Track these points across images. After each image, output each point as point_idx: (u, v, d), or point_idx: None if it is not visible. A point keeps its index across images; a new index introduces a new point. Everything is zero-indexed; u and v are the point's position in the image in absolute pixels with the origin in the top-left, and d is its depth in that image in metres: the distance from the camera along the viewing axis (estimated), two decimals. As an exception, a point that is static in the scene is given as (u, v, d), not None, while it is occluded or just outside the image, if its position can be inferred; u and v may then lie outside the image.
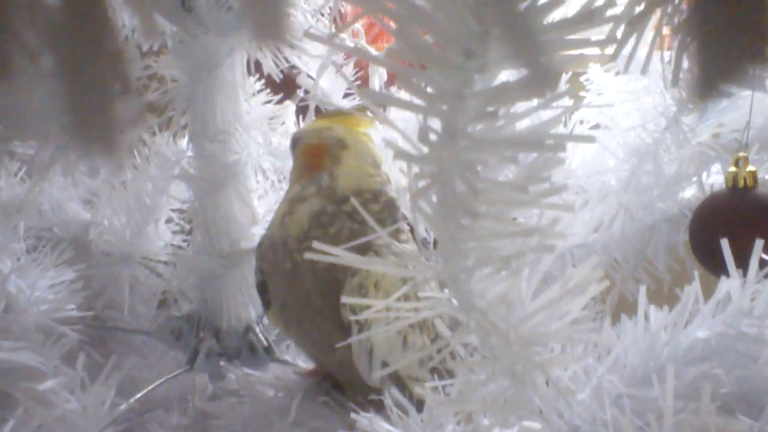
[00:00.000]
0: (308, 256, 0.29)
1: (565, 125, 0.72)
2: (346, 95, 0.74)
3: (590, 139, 0.26)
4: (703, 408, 0.29)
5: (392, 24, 0.23)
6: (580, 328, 0.32)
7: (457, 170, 0.26)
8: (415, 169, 0.25)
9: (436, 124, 0.27)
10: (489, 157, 0.26)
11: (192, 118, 0.60)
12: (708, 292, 0.41)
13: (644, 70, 0.33)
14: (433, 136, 0.26)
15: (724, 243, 0.38)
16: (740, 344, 0.34)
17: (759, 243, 0.36)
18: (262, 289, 0.58)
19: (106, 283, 0.75)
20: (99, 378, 0.53)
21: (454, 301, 0.32)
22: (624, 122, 0.68)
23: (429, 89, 0.25)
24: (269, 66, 0.60)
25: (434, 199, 0.28)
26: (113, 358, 0.54)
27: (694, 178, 0.65)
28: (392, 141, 0.27)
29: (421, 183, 0.25)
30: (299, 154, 0.58)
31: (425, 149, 0.25)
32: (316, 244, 0.30)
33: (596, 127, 0.71)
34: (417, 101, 0.26)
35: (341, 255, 0.29)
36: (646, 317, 0.38)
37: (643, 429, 0.31)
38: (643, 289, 0.40)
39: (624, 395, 0.34)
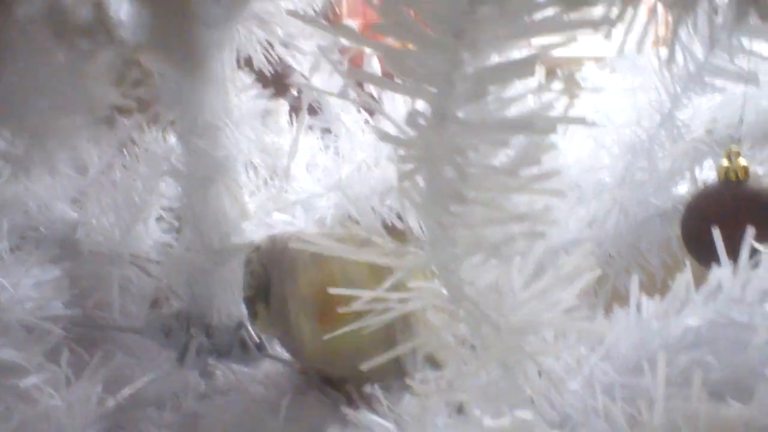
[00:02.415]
0: (293, 244, 0.29)
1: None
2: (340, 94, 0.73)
3: (582, 121, 0.26)
4: (693, 394, 0.28)
5: (378, 1, 0.23)
6: (573, 316, 0.32)
7: (447, 155, 0.26)
8: (402, 153, 0.25)
9: (423, 107, 0.26)
10: (479, 141, 0.26)
11: (180, 113, 0.59)
12: (700, 282, 0.40)
13: (639, 49, 0.32)
14: (421, 120, 0.26)
15: (716, 232, 0.38)
16: (731, 331, 0.34)
17: (749, 231, 0.36)
18: (251, 301, 0.59)
19: (95, 283, 0.74)
20: (84, 374, 0.52)
21: (444, 291, 0.31)
22: (619, 119, 0.68)
23: (417, 71, 0.25)
24: (259, 60, 0.59)
25: (422, 185, 0.28)
26: (99, 355, 0.54)
27: (688, 174, 0.65)
28: (380, 127, 0.27)
29: (409, 167, 0.25)
30: None
31: (413, 133, 0.25)
32: (303, 235, 0.30)
33: (592, 124, 0.71)
34: (405, 83, 0.25)
35: (327, 245, 0.29)
36: (638, 308, 0.38)
37: (635, 416, 0.31)
38: (635, 279, 0.39)
39: (615, 384, 0.33)
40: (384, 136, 0.24)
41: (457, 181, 0.26)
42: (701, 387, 0.30)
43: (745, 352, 0.32)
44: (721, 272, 0.37)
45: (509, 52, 0.25)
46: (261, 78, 0.65)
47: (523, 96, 0.27)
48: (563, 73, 0.73)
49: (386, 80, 0.25)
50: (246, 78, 0.62)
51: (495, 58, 0.24)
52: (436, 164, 0.26)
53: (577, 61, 0.75)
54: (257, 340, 0.66)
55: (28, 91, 0.52)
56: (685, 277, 0.35)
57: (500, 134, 0.25)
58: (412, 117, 0.25)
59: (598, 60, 0.74)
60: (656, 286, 0.59)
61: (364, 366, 0.30)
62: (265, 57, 0.62)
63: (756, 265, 0.36)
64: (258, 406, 0.48)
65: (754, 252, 0.38)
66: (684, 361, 0.34)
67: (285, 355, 0.67)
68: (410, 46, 0.24)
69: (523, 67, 0.23)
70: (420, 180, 0.27)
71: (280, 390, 0.50)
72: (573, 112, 0.72)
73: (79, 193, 0.77)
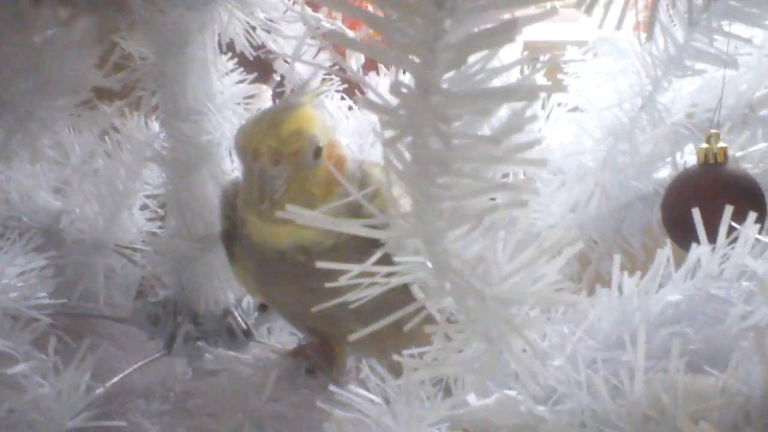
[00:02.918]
0: (279, 214, 0.29)
1: (543, 107, 0.73)
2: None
3: (562, 89, 0.26)
4: (672, 365, 0.29)
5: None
6: (556, 290, 0.32)
7: (431, 125, 0.26)
8: (386, 121, 0.25)
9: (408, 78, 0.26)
10: (463, 111, 0.26)
11: (162, 97, 0.59)
12: (680, 262, 0.41)
13: (618, 26, 0.33)
14: (405, 90, 0.26)
15: (695, 211, 0.39)
16: (709, 306, 0.35)
17: (728, 209, 0.37)
18: (228, 238, 0.55)
19: (80, 273, 0.74)
20: (72, 362, 0.52)
21: (429, 264, 0.31)
22: (600, 103, 0.69)
23: (400, 40, 0.25)
24: (241, 44, 0.59)
25: (407, 156, 0.28)
26: (86, 342, 0.53)
27: (669, 158, 0.65)
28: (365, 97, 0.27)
29: (391, 134, 0.25)
30: (323, 168, 0.49)
31: (397, 103, 0.25)
32: (289, 207, 0.30)
33: (575, 109, 0.72)
34: (389, 53, 0.25)
35: (309, 215, 0.29)
36: (620, 286, 0.39)
37: (617, 388, 0.31)
38: (617, 258, 0.40)
39: (598, 358, 0.34)
40: (368, 104, 0.24)
41: (442, 151, 0.27)
42: (680, 358, 0.30)
43: (722, 325, 0.33)
44: (700, 250, 0.38)
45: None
46: (244, 63, 0.64)
47: (507, 67, 0.28)
48: (546, 57, 0.74)
49: (369, 48, 0.25)
50: (229, 62, 0.62)
51: (476, 28, 0.25)
52: (420, 134, 0.27)
53: (560, 46, 0.76)
54: (244, 327, 0.67)
55: (10, 73, 0.52)
56: (665, 253, 0.35)
57: (483, 103, 0.26)
58: (396, 86, 0.25)
59: (581, 44, 0.74)
60: (637, 269, 0.59)
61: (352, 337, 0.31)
62: (248, 41, 0.62)
63: (733, 243, 0.37)
64: (245, 385, 0.49)
65: (731, 230, 0.38)
66: (663, 335, 0.35)
67: (272, 341, 0.67)
68: (392, 15, 0.24)
69: (503, 34, 0.23)
70: (404, 151, 0.28)
71: (267, 371, 0.50)
72: (557, 97, 0.73)
73: (62, 182, 0.77)
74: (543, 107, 0.73)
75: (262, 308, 0.69)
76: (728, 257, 0.37)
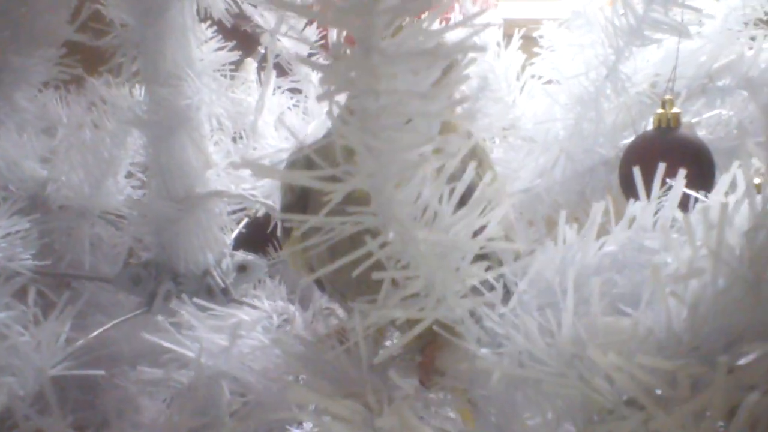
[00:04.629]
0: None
1: (518, 79, 0.76)
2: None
3: (482, 50, 0.28)
4: (593, 308, 0.32)
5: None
6: (494, 240, 0.35)
7: (372, 84, 0.29)
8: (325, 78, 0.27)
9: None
10: (399, 71, 0.29)
11: (143, 63, 0.61)
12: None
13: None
14: (346, 51, 0.28)
15: (636, 170, 0.42)
16: (641, 256, 0.37)
17: (661, 167, 0.39)
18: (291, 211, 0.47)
19: (66, 240, 0.76)
20: (53, 314, 0.54)
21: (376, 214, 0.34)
22: (568, 72, 0.71)
23: (341, 4, 0.27)
24: (220, 12, 0.61)
25: (351, 112, 0.30)
26: (66, 295, 0.56)
27: (633, 125, 0.68)
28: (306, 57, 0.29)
29: (329, 89, 0.27)
30: None
31: (337, 62, 0.28)
32: (247, 161, 0.32)
33: (549, 82, 0.74)
34: (332, 15, 0.28)
35: (262, 168, 0.31)
36: (564, 238, 0.41)
37: (551, 331, 0.34)
38: (563, 213, 0.43)
39: (533, 303, 0.37)
40: (306, 62, 0.26)
41: (382, 108, 0.29)
42: (604, 301, 0.33)
43: (646, 270, 0.35)
44: (636, 205, 0.40)
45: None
46: (230, 35, 0.66)
47: (442, 31, 0.30)
48: (521, 33, 0.76)
49: (313, 11, 0.27)
50: (208, 30, 0.64)
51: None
52: (363, 93, 0.29)
53: (536, 21, 0.78)
54: (223, 286, 0.69)
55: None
56: (601, 205, 0.38)
57: (415, 63, 0.28)
58: (337, 47, 0.28)
59: (555, 20, 0.76)
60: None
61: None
62: (232, 13, 0.64)
63: (663, 197, 0.39)
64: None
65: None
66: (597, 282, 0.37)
67: (249, 299, 0.70)
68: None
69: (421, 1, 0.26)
70: (348, 108, 0.30)
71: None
72: (531, 70, 0.75)
73: (48, 152, 0.79)
74: (518, 79, 0.76)
75: (241, 269, 0.71)
76: (660, 211, 0.40)
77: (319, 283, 0.52)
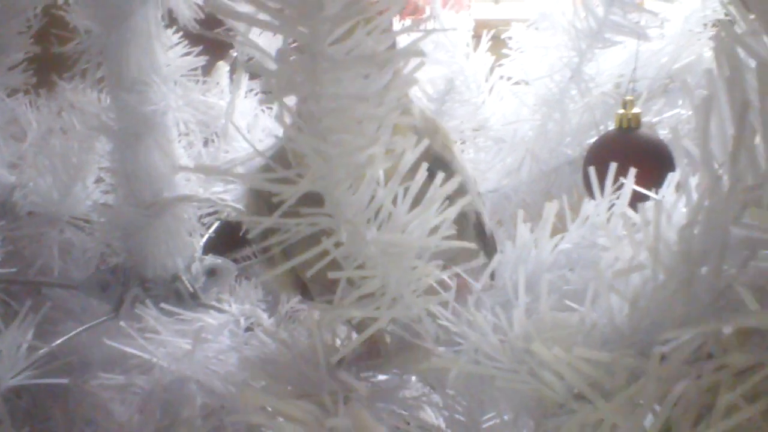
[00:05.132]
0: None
1: (487, 80, 0.77)
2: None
3: (421, 53, 0.29)
4: (542, 303, 0.32)
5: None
6: (446, 240, 0.35)
7: (317, 88, 0.29)
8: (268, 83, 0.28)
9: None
10: (344, 76, 0.29)
11: (107, 69, 0.61)
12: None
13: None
14: (291, 57, 0.29)
15: (591, 170, 0.42)
16: (594, 252, 0.38)
17: (612, 167, 0.40)
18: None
19: (34, 246, 0.76)
20: (14, 323, 0.54)
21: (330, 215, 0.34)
22: (534, 74, 0.72)
23: (286, 12, 0.28)
24: (185, 17, 0.62)
25: (300, 117, 0.31)
26: (29, 303, 0.56)
27: (598, 125, 0.69)
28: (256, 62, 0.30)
29: (270, 94, 0.28)
30: None
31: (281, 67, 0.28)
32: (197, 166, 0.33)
33: (517, 83, 0.75)
34: (278, 23, 0.28)
35: (211, 168, 0.32)
36: (522, 237, 0.42)
37: (502, 327, 0.34)
38: (521, 212, 0.43)
39: (486, 300, 0.37)
40: (254, 67, 0.27)
41: (322, 111, 0.30)
42: (554, 298, 0.34)
43: (597, 266, 0.36)
44: (588, 204, 0.41)
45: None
46: (200, 41, 0.66)
47: (390, 36, 0.31)
48: (489, 34, 0.77)
49: (260, 19, 0.28)
50: (175, 36, 0.64)
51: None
52: (309, 97, 0.30)
53: (505, 22, 0.79)
54: (191, 290, 0.69)
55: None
56: (554, 205, 0.38)
57: (365, 68, 0.29)
58: (284, 53, 0.28)
59: (524, 22, 0.77)
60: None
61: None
62: (203, 17, 0.64)
63: (615, 194, 0.40)
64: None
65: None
66: (550, 278, 0.38)
67: (217, 304, 0.70)
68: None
69: (371, 6, 0.26)
70: (297, 113, 0.31)
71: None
72: (500, 71, 0.76)
73: (16, 158, 0.79)
74: (486, 80, 0.77)
75: (211, 273, 0.72)
76: (613, 209, 0.41)
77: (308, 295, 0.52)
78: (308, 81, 0.29)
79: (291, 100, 0.32)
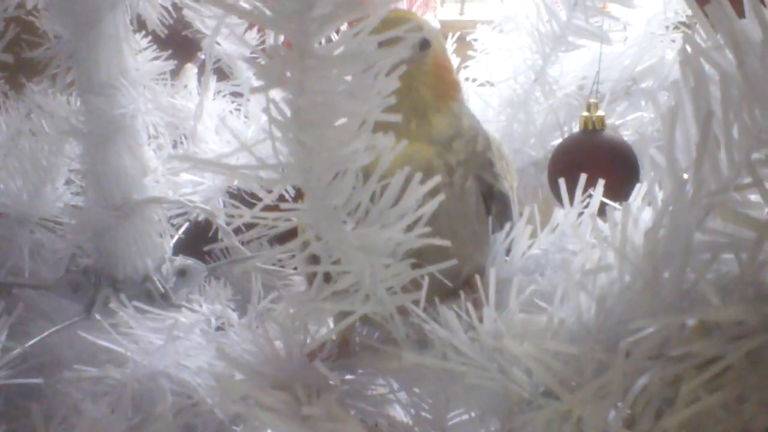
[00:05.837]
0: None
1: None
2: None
3: (405, 54, 0.29)
4: (511, 304, 0.34)
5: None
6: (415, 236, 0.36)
7: (304, 83, 0.30)
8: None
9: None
10: (332, 73, 0.30)
11: (77, 73, 0.62)
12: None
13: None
14: (281, 53, 0.30)
15: (561, 181, 0.43)
16: (563, 256, 0.39)
17: (582, 177, 0.41)
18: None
19: (7, 250, 0.75)
20: None
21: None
22: (498, 76, 0.73)
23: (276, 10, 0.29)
24: (152, 21, 0.62)
25: (286, 111, 0.32)
26: (1, 304, 0.55)
27: (562, 127, 0.71)
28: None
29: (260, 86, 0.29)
30: (433, 67, 0.45)
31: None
32: (188, 156, 0.33)
33: (482, 85, 0.77)
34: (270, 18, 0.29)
35: (207, 161, 0.32)
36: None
37: (473, 326, 0.36)
38: (490, 219, 0.45)
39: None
40: (245, 60, 0.28)
41: (315, 108, 0.31)
42: (522, 298, 0.35)
43: (567, 268, 0.37)
44: (558, 211, 0.43)
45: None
46: (168, 40, 0.67)
47: (375, 39, 0.32)
48: (455, 36, 0.78)
49: (252, 14, 0.29)
50: (143, 40, 0.65)
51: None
52: (298, 93, 0.31)
53: (472, 24, 0.80)
54: (162, 291, 0.70)
55: None
56: (526, 212, 0.40)
57: (353, 66, 0.30)
58: (274, 48, 0.29)
59: (490, 23, 0.78)
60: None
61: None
62: (172, 19, 0.64)
63: (585, 201, 0.42)
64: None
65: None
66: (521, 282, 0.39)
67: (188, 304, 0.70)
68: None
69: (360, 7, 0.27)
70: (284, 107, 0.31)
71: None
72: (466, 72, 0.77)
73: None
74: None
75: (181, 273, 0.72)
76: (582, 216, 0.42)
77: None
78: (295, 76, 0.30)
79: (278, 95, 0.32)
